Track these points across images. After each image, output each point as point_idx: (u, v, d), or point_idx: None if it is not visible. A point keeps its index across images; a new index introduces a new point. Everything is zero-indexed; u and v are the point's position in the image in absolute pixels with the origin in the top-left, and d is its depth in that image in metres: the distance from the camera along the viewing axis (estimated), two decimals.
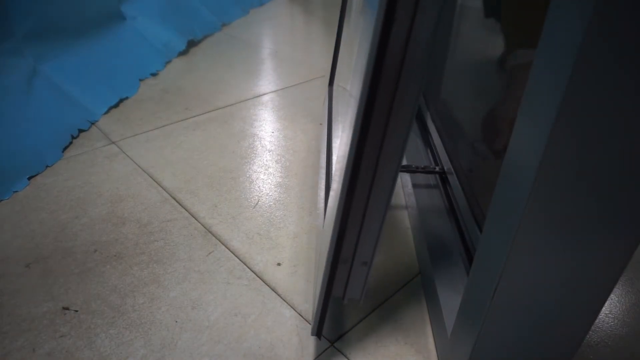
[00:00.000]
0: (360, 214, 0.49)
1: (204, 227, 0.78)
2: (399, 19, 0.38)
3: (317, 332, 0.54)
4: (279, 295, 0.65)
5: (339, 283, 0.54)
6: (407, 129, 0.43)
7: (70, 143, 1.01)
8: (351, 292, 0.55)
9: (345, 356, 0.57)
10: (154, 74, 1.37)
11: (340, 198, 0.46)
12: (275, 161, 0.97)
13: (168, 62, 1.46)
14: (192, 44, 1.61)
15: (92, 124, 1.09)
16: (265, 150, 1.01)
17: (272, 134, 1.08)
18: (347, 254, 0.51)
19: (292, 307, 0.64)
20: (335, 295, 0.55)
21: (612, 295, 0.67)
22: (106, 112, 1.15)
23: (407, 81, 0.41)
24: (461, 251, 0.67)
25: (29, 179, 0.89)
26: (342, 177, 0.46)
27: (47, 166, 0.93)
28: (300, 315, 0.62)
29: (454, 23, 0.85)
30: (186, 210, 0.82)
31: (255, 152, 1.00)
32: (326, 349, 0.58)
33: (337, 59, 1.12)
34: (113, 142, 1.02)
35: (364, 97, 0.41)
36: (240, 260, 0.71)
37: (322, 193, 0.74)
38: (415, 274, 0.70)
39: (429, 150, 0.92)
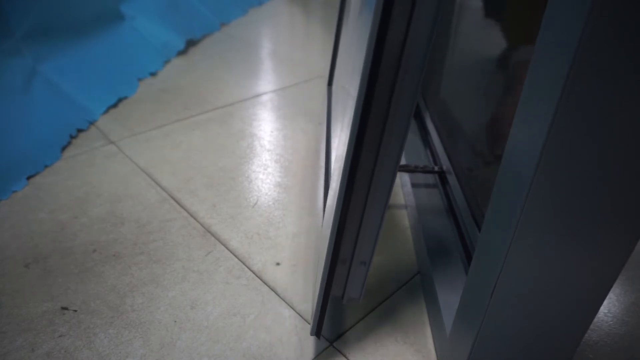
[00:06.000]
0: (359, 214, 0.48)
1: (203, 227, 0.78)
2: (395, 18, 0.38)
3: (317, 332, 0.54)
4: (278, 295, 0.65)
5: (338, 283, 0.54)
6: (406, 128, 0.43)
7: (69, 143, 1.01)
8: (350, 291, 0.55)
9: (345, 356, 0.57)
10: (153, 74, 1.37)
11: (339, 198, 0.46)
12: (274, 161, 0.97)
13: (167, 61, 1.46)
14: (191, 43, 1.61)
15: (91, 123, 1.09)
16: (264, 150, 1.01)
17: (271, 133, 1.08)
18: (345, 253, 0.51)
19: (291, 306, 0.64)
20: (335, 294, 0.55)
21: (611, 294, 0.67)
22: (105, 112, 1.14)
23: (405, 80, 0.41)
24: (460, 250, 0.67)
25: (28, 179, 0.88)
26: (340, 177, 0.46)
27: (46, 166, 0.92)
28: (300, 315, 0.62)
29: (453, 22, 0.85)
30: (185, 210, 0.82)
31: (254, 151, 1.00)
32: (325, 349, 0.58)
33: (336, 59, 1.12)
34: (112, 142, 1.02)
35: (362, 97, 0.41)
36: (239, 259, 0.71)
37: (321, 193, 0.74)
38: (414, 274, 0.70)
39: (428, 150, 0.92)
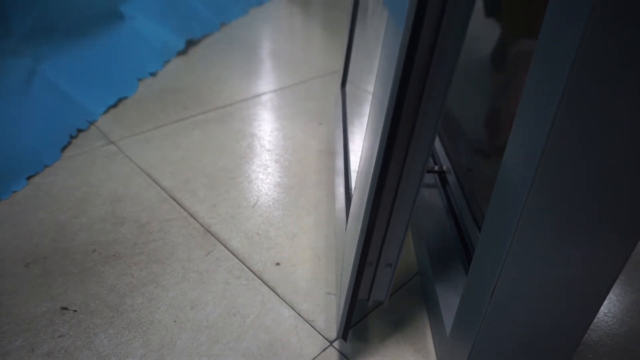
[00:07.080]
0: (386, 216, 0.48)
1: (203, 227, 0.78)
2: (426, 24, 0.37)
3: (343, 335, 0.54)
4: (278, 295, 0.65)
5: (364, 285, 0.54)
6: (435, 129, 0.43)
7: (69, 143, 1.01)
8: (376, 293, 0.54)
9: (344, 356, 0.57)
10: (153, 74, 1.37)
11: (367, 203, 0.45)
12: (274, 161, 0.97)
13: (167, 61, 1.46)
14: (191, 43, 1.61)
15: (91, 123, 1.09)
16: (264, 150, 1.01)
17: (271, 133, 1.08)
18: (372, 256, 0.51)
19: (291, 306, 0.64)
20: (361, 297, 0.54)
21: (610, 295, 0.67)
22: (105, 112, 1.14)
23: (434, 81, 0.41)
24: (460, 251, 0.67)
25: (28, 179, 0.88)
26: (368, 181, 0.45)
27: (46, 166, 0.92)
28: (299, 315, 0.62)
29: None
30: (185, 210, 0.82)
31: (254, 151, 1.00)
32: (325, 349, 0.58)
33: (349, 60, 1.10)
34: (112, 142, 1.02)
35: (393, 100, 0.40)
36: (239, 260, 0.71)
37: (340, 195, 0.73)
38: (414, 274, 0.70)
39: None
